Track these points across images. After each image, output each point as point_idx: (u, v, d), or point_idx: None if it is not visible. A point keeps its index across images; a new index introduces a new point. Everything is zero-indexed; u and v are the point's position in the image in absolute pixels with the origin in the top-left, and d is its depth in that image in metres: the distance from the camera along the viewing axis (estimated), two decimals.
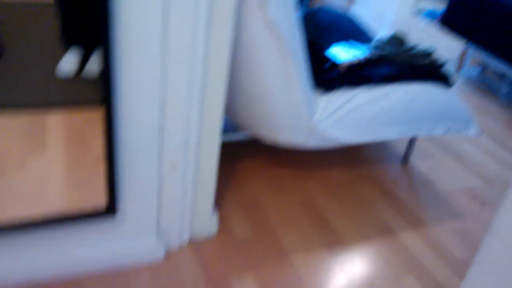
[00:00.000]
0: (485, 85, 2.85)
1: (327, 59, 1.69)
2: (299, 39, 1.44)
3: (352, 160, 1.96)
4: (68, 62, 1.11)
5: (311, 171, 1.86)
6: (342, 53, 1.72)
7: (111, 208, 1.24)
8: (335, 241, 1.53)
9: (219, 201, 1.62)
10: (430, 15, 3.88)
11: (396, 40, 1.86)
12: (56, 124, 1.20)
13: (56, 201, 1.22)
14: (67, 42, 1.08)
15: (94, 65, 1.12)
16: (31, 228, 1.18)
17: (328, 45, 1.81)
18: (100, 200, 1.24)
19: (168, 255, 1.37)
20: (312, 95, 1.54)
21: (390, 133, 1.67)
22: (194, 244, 1.43)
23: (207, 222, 1.45)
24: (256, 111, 1.53)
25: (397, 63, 1.76)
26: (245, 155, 1.89)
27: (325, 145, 1.61)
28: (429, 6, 4.12)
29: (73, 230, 1.24)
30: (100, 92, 1.15)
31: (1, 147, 1.16)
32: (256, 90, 1.46)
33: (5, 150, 1.17)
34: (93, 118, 1.23)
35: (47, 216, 1.19)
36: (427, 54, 1.81)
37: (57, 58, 1.12)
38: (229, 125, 1.76)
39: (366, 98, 1.61)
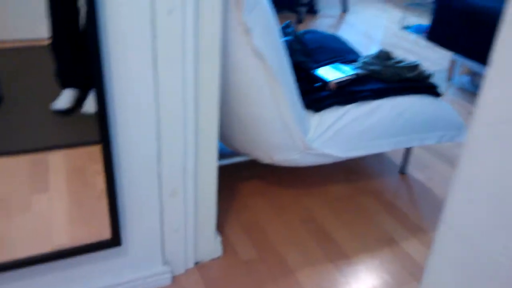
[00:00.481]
0: (477, 91, 2.90)
1: (316, 79, 1.75)
2: (286, 63, 1.50)
3: (350, 174, 2.00)
4: (62, 102, 1.16)
5: (310, 188, 1.89)
6: (331, 72, 1.78)
7: (115, 241, 1.27)
8: (338, 254, 1.56)
9: (222, 223, 1.65)
10: (417, 29, 3.97)
11: (383, 55, 1.92)
12: (57, 163, 1.25)
13: (61, 237, 1.25)
14: (62, 84, 1.14)
15: (90, 104, 1.17)
16: (39, 263, 1.21)
17: (317, 65, 1.88)
18: (105, 232, 1.27)
19: (175, 279, 1.40)
20: (303, 114, 1.59)
21: (383, 146, 1.71)
22: (200, 267, 1.46)
23: (211, 245, 1.48)
24: (250, 135, 1.57)
25: (385, 78, 1.82)
26: (244, 177, 1.93)
27: (321, 162, 1.65)
28: (415, 21, 4.22)
29: (80, 263, 1.28)
30: (97, 131, 1.20)
31: (5, 190, 1.20)
32: (248, 115, 1.51)
33: (10, 192, 1.21)
34: (94, 154, 1.28)
35: (54, 252, 1.22)
36: (414, 66, 1.87)
37: (55, 99, 1.17)
38: (227, 148, 1.81)
39: (356, 114, 1.66)
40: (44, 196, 1.23)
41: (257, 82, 1.43)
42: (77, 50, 1.12)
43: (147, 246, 1.34)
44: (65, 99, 1.16)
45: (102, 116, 1.12)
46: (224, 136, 1.65)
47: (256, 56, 1.38)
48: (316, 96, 1.67)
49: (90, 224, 1.28)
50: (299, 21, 4.23)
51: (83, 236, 1.26)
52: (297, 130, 1.53)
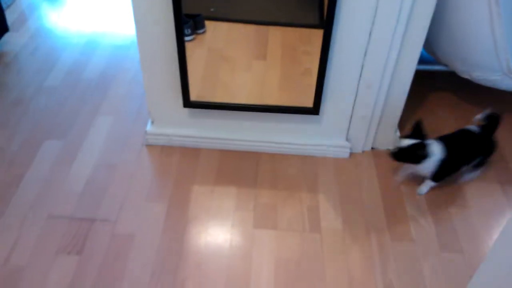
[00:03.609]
0: None
1: None
2: None
3: None
4: None
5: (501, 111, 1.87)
6: None
7: (315, 110, 1.55)
8: (510, 179, 1.61)
9: (404, 122, 1.80)
10: None
11: None
12: (275, 38, 1.52)
13: (272, 98, 1.58)
14: None
15: None
16: (256, 110, 1.57)
17: None
18: (306, 102, 1.54)
19: (352, 155, 1.67)
20: None
21: None
22: (375, 152, 1.69)
23: (390, 137, 1.68)
24: (457, 46, 1.62)
25: None
26: (437, 86, 1.99)
27: None
28: None
29: (285, 120, 1.61)
30: (317, 15, 1.40)
31: (234, 52, 1.53)
32: (460, 26, 1.55)
33: (238, 55, 1.54)
34: (305, 36, 1.51)
35: (269, 105, 1.56)
36: None
37: None
38: (427, 55, 1.88)
39: None
40: (262, 63, 1.54)
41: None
42: None
43: (337, 122, 1.60)
44: None
45: (331, 2, 1.30)
46: (429, 42, 1.73)
47: None
48: None
49: (295, 93, 1.56)
50: None
51: (288, 101, 1.56)
52: (506, 51, 1.52)
